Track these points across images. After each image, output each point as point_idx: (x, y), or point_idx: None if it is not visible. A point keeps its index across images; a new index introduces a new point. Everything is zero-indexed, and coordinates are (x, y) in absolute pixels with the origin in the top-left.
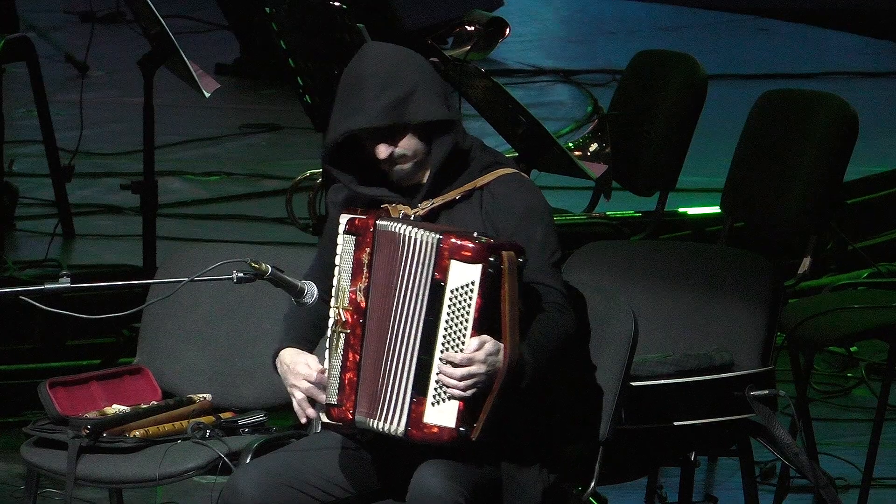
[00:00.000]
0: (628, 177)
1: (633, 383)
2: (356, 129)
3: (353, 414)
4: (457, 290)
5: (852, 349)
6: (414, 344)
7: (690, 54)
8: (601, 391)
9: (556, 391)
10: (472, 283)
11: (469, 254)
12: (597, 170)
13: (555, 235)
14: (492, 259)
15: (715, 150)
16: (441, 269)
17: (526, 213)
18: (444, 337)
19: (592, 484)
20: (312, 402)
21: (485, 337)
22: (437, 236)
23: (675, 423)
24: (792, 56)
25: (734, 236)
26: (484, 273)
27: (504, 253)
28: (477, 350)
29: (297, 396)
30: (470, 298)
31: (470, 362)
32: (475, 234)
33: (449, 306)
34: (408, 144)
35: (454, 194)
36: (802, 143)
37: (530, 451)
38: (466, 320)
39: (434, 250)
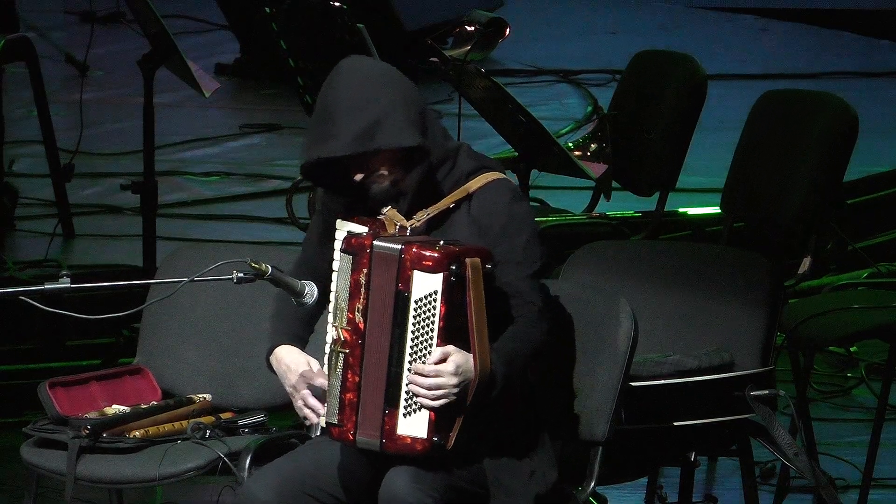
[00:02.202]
0: (628, 177)
1: (633, 383)
2: (326, 157)
3: (353, 435)
4: (420, 300)
5: (852, 349)
6: (384, 357)
7: (690, 54)
8: (598, 392)
9: (544, 396)
10: (435, 292)
11: (430, 263)
12: (597, 170)
13: (537, 244)
14: (453, 267)
15: (715, 150)
16: (404, 280)
17: (508, 223)
18: (412, 348)
19: (592, 484)
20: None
21: (450, 348)
22: (399, 247)
23: (675, 424)
24: (792, 56)
25: (734, 236)
26: (445, 282)
27: (467, 260)
28: (442, 361)
29: (298, 399)
30: (434, 308)
31: (438, 373)
32: (441, 242)
33: (414, 317)
34: (382, 167)
35: (448, 202)
36: (802, 143)
37: (519, 455)
38: (432, 330)
39: (397, 262)
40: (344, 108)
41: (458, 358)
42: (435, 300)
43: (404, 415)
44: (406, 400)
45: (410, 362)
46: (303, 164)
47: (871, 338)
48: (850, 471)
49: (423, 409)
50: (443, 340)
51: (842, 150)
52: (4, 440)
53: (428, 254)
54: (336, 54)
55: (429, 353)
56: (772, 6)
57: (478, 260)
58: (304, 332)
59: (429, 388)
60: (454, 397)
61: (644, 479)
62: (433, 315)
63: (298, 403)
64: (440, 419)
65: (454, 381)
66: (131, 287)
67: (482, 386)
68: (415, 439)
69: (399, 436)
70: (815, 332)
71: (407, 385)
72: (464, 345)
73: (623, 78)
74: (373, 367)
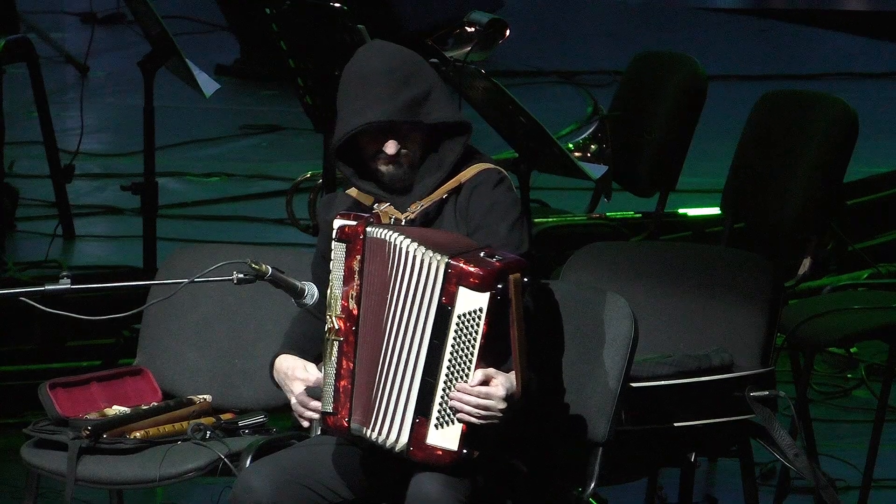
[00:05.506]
0: (628, 177)
1: (633, 384)
2: (376, 120)
3: (348, 422)
4: (464, 315)
5: (852, 350)
6: (417, 364)
7: (690, 54)
8: (598, 393)
9: (544, 396)
10: (480, 310)
11: (477, 281)
12: (597, 170)
13: (520, 232)
14: (500, 286)
15: (715, 151)
16: (448, 295)
17: (490, 209)
18: (450, 361)
19: (592, 485)
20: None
21: (491, 371)
22: (446, 260)
23: (676, 424)
24: (792, 56)
25: (734, 237)
26: (492, 300)
27: (511, 277)
28: (485, 383)
29: (294, 402)
30: (477, 325)
31: (488, 396)
32: (482, 254)
33: (456, 331)
34: (412, 145)
35: (440, 194)
36: (802, 144)
37: (522, 454)
38: (473, 346)
39: (442, 275)
40: (389, 79)
41: (503, 381)
42: (479, 318)
43: (436, 425)
44: (440, 411)
45: (447, 375)
46: (337, 135)
47: (871, 338)
48: (850, 471)
49: (456, 422)
50: (482, 357)
51: (842, 151)
52: (4, 441)
53: (474, 270)
54: (336, 54)
55: (467, 367)
56: (772, 6)
57: (519, 275)
58: (310, 345)
59: (476, 407)
60: (497, 420)
61: (644, 481)
62: (475, 333)
63: (297, 408)
64: (472, 433)
65: (503, 405)
66: (131, 288)
67: (522, 402)
68: (445, 451)
69: (428, 445)
70: (814, 333)
71: (443, 398)
72: (498, 358)
73: (623, 78)
74: (367, 353)
